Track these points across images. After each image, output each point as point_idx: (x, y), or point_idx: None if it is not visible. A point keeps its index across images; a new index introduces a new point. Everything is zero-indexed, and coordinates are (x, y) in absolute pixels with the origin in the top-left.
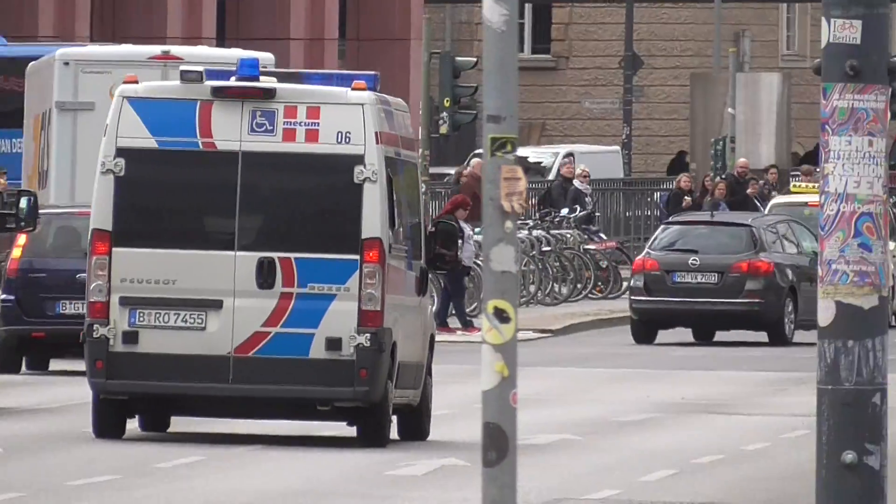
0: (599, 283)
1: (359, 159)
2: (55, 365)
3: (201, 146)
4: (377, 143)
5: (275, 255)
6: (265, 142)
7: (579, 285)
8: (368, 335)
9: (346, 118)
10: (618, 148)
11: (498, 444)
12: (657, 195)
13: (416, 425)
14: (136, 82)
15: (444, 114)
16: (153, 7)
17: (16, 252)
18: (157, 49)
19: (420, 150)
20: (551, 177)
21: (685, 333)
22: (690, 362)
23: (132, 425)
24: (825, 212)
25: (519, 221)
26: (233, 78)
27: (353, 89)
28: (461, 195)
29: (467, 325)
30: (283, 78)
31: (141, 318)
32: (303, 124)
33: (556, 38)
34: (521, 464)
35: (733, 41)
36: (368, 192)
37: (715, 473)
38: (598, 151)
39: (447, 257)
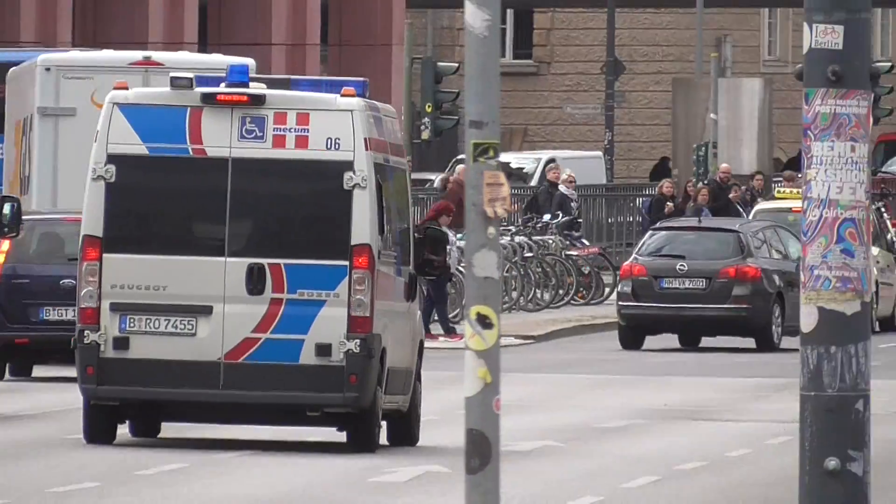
0: (582, 289)
1: (348, 165)
2: (38, 371)
3: (191, 152)
4: (366, 149)
5: (264, 261)
6: (255, 148)
7: (561, 291)
8: (358, 341)
9: (335, 124)
10: (600, 153)
11: (481, 451)
12: (640, 201)
13: (405, 431)
14: (127, 89)
15: (426, 119)
16: (135, 12)
17: None
18: (138, 55)
19: None
20: (534, 182)
21: (671, 339)
22: (674, 368)
23: (122, 430)
24: (808, 217)
25: (501, 227)
26: (223, 84)
27: (343, 96)
28: (444, 201)
29: (450, 332)
30: (272, 84)
31: (131, 324)
32: (292, 130)
33: (537, 43)
34: (503, 470)
35: (715, 46)
36: (358, 199)
37: (697, 480)
38: (581, 157)
39: (436, 263)
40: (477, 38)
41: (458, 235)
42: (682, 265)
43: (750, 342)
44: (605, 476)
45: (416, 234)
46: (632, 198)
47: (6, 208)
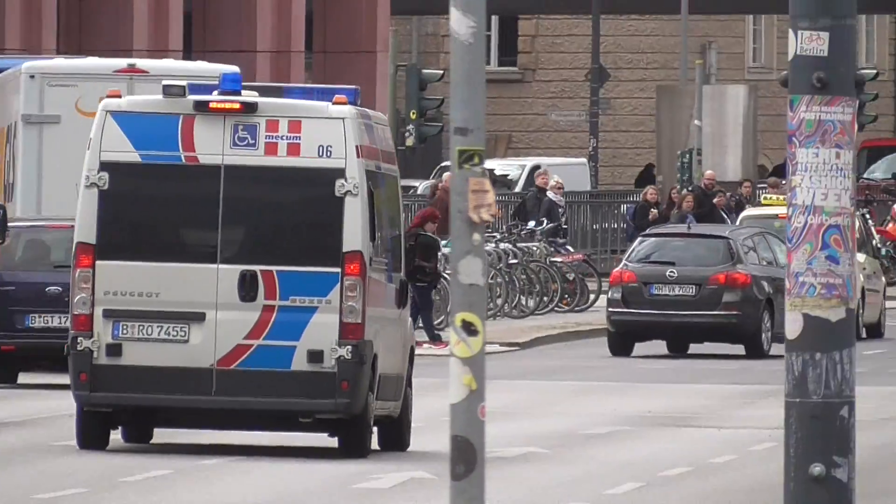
0: (566, 296)
1: (340, 173)
2: (24, 378)
3: (184, 160)
4: (358, 156)
5: (257, 267)
6: (247, 155)
7: (546, 298)
8: (349, 347)
9: (327, 132)
10: (584, 160)
11: (466, 457)
12: (624, 207)
13: (396, 436)
14: (120, 96)
15: (411, 126)
16: (120, 20)
17: None
18: (122, 62)
19: None
20: (518, 189)
21: (660, 346)
22: (660, 375)
23: (115, 436)
24: (793, 224)
25: (486, 234)
26: (215, 92)
27: (334, 103)
28: (429, 208)
29: (435, 339)
30: (264, 92)
31: (124, 331)
32: (284, 138)
33: (522, 50)
34: (488, 477)
35: (700, 53)
36: (349, 206)
37: (682, 486)
38: (565, 164)
39: (427, 269)
40: (462, 44)
41: (444, 242)
42: (671, 272)
43: (738, 349)
44: (590, 482)
45: (409, 242)
46: (616, 204)
47: None
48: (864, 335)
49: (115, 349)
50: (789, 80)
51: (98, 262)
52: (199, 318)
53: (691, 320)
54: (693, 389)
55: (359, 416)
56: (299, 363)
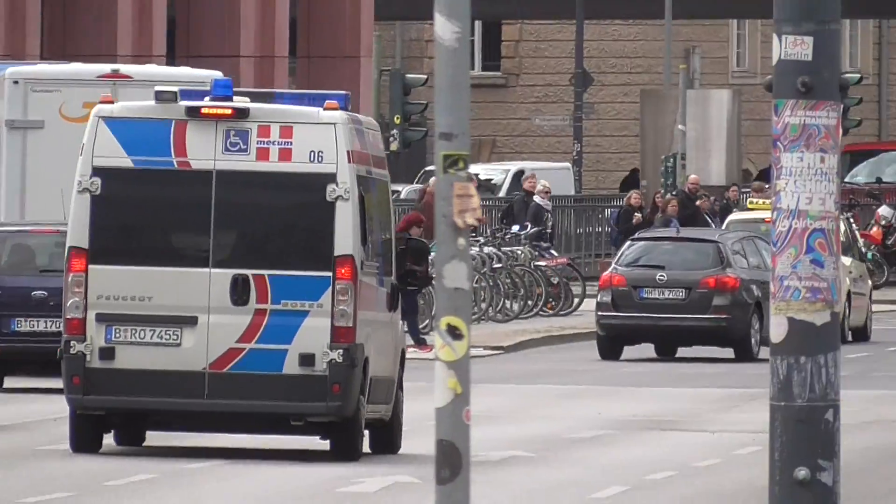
0: (550, 300)
1: (331, 178)
2: (10, 382)
3: (176, 165)
4: (349, 161)
5: (249, 272)
6: (239, 161)
7: (530, 302)
8: (341, 351)
9: (318, 137)
10: (568, 165)
11: (451, 461)
12: (608, 212)
13: (387, 439)
14: (112, 102)
15: (395, 131)
16: (103, 25)
17: None
18: (106, 68)
19: None
20: (502, 194)
21: (648, 349)
22: (645, 378)
23: (107, 440)
24: (777, 228)
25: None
26: (207, 98)
27: (325, 109)
28: (415, 212)
29: (420, 343)
30: (255, 98)
31: (117, 335)
32: (276, 143)
33: (506, 55)
34: (473, 481)
35: (683, 58)
36: (341, 210)
37: (667, 490)
38: (549, 168)
39: (418, 273)
40: (447, 49)
41: (432, 245)
42: (661, 275)
43: (726, 352)
44: (575, 486)
45: (400, 246)
46: (600, 209)
47: None
48: (850, 338)
49: (107, 353)
50: (774, 84)
51: (91, 267)
52: (192, 321)
53: (681, 324)
54: (679, 393)
55: (350, 419)
56: (291, 366)
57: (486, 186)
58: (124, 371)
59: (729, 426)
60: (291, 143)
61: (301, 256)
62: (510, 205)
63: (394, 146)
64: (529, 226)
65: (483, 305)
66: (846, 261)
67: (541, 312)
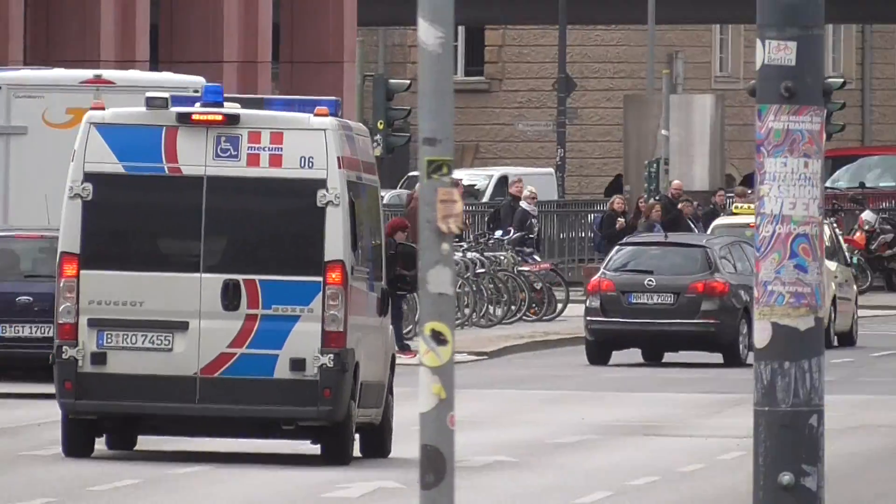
0: (534, 305)
1: (321, 183)
2: None
3: (167, 171)
4: (339, 167)
5: (240, 277)
6: (230, 167)
7: (513, 307)
8: (332, 356)
9: (308, 143)
10: (552, 170)
11: (436, 467)
12: (591, 217)
13: (378, 443)
14: (103, 108)
15: (378, 136)
16: (87, 31)
17: None
18: (89, 73)
19: None
20: (485, 199)
21: (635, 354)
22: (629, 384)
23: (99, 445)
24: (761, 233)
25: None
26: (197, 104)
27: (316, 115)
28: (398, 218)
29: (404, 349)
30: (246, 104)
31: (109, 340)
32: (266, 149)
33: (489, 60)
34: (457, 486)
35: (666, 63)
36: (331, 216)
37: (650, 495)
38: (533, 173)
39: (408, 278)
40: (430, 55)
41: None
42: (650, 280)
43: (712, 357)
44: (559, 491)
45: (390, 251)
46: (584, 214)
47: None
48: (835, 343)
49: (99, 358)
50: (757, 89)
51: (83, 272)
52: (183, 326)
53: (670, 329)
54: (663, 398)
55: (341, 423)
56: (282, 371)
57: (469, 192)
58: (116, 376)
59: (713, 431)
60: (282, 148)
61: (292, 261)
62: (496, 210)
63: (377, 151)
64: (513, 231)
65: (466, 311)
66: (832, 265)
67: (524, 318)
